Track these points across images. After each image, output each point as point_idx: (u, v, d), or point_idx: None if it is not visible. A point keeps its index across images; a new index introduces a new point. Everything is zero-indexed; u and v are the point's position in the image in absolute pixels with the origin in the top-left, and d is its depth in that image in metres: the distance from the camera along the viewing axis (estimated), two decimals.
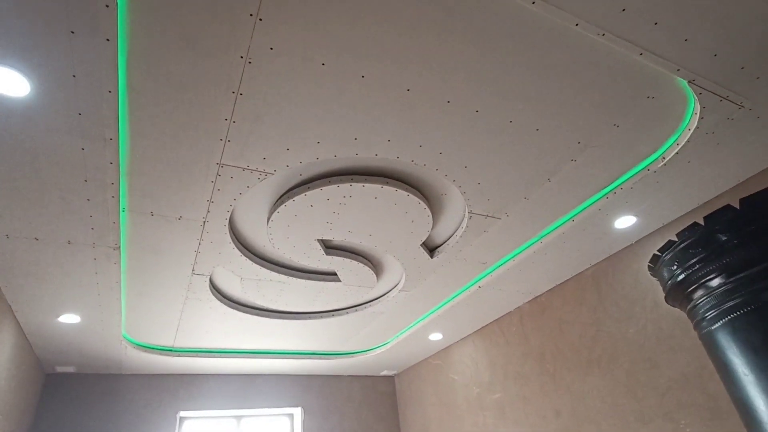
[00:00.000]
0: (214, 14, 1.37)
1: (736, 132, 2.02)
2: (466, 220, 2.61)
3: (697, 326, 1.58)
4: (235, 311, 3.50)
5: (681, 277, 1.54)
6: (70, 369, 4.22)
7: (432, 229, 2.73)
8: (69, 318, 3.16)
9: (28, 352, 3.52)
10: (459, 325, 4.18)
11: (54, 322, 3.20)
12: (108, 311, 3.13)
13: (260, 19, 1.42)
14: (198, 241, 2.53)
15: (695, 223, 1.46)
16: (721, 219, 1.39)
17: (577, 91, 1.79)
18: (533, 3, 1.40)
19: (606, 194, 2.45)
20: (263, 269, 2.93)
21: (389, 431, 5.44)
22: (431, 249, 3.00)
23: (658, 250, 1.61)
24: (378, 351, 4.75)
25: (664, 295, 1.72)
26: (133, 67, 1.50)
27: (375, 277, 3.19)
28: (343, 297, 3.49)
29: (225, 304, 3.37)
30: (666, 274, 1.68)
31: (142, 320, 3.50)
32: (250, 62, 1.55)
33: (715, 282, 1.42)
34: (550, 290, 3.58)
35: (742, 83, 1.77)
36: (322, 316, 3.83)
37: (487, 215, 2.58)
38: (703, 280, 1.46)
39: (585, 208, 2.56)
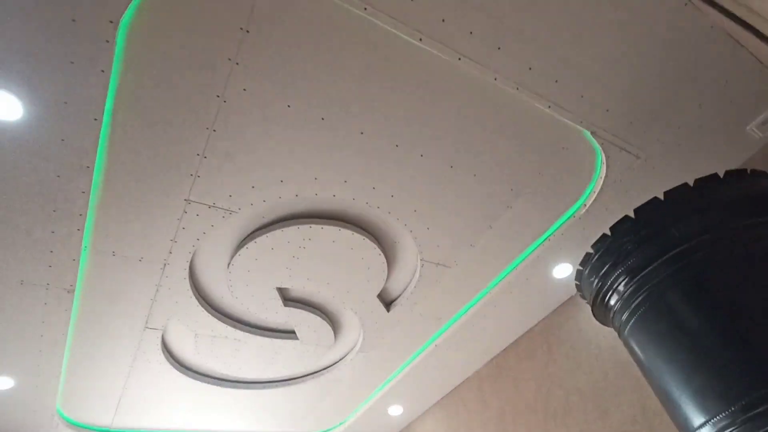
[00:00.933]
0: (197, 55, 1.65)
1: (637, 180, 2.39)
2: (419, 269, 2.79)
3: (619, 333, 1.76)
4: (185, 377, 3.35)
5: (598, 286, 1.75)
6: None
7: (387, 279, 2.88)
8: (1, 382, 2.94)
9: None
10: (419, 395, 4.11)
11: None
12: (46, 374, 2.94)
13: (237, 64, 1.70)
14: (156, 287, 2.56)
15: (604, 234, 1.71)
16: (622, 228, 1.65)
17: (502, 141, 2.13)
18: (459, 59, 1.77)
19: (542, 242, 2.73)
20: (219, 323, 2.92)
21: None
22: (387, 303, 3.11)
23: (580, 264, 1.84)
24: (336, 431, 4.50)
25: (592, 311, 1.90)
26: (119, 98, 1.72)
27: (333, 334, 3.21)
28: (299, 360, 3.44)
29: (174, 367, 3.24)
30: (588, 288, 1.89)
31: (81, 388, 3.27)
32: (225, 102, 1.81)
33: (623, 285, 1.64)
34: (504, 350, 3.67)
35: (634, 136, 2.17)
36: (277, 385, 3.70)
37: (438, 263, 2.77)
38: (614, 285, 1.68)
39: (526, 256, 2.81)
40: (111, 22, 1.48)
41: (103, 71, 1.59)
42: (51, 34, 1.48)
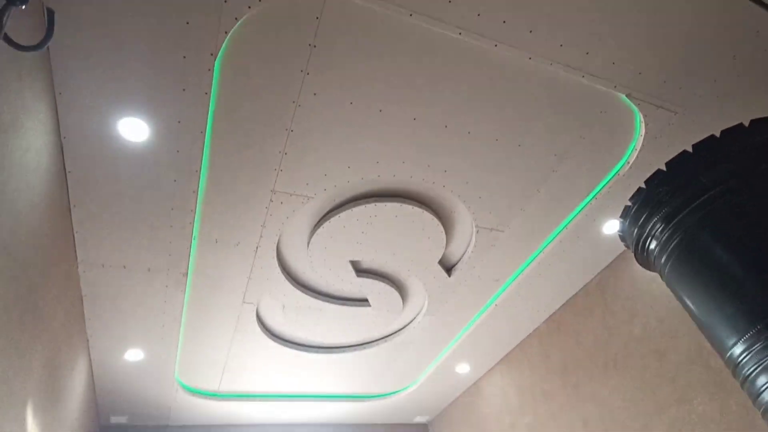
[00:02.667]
0: (276, 71, 2.01)
1: (677, 134, 2.52)
2: (474, 235, 3.07)
3: (661, 275, 1.97)
4: (277, 344, 3.87)
5: (638, 234, 1.96)
6: (123, 419, 4.52)
7: (446, 246, 3.19)
8: (134, 354, 3.58)
9: (91, 397, 3.89)
10: (484, 353, 4.43)
11: (120, 359, 3.61)
12: (168, 346, 3.55)
13: (308, 74, 2.05)
14: (250, 267, 3.03)
15: (639, 188, 1.91)
16: (656, 180, 1.85)
17: (543, 112, 2.35)
18: (495, 46, 2.01)
19: (589, 201, 2.91)
20: (303, 295, 3.37)
21: None
22: (448, 268, 3.43)
23: (620, 216, 2.05)
24: (410, 390, 4.94)
25: (635, 258, 2.11)
26: (217, 113, 2.13)
27: (401, 300, 3.59)
28: (373, 325, 3.85)
29: (268, 336, 3.76)
30: (630, 238, 2.10)
31: (194, 358, 3.88)
32: (299, 106, 2.17)
33: (660, 231, 1.85)
34: (561, 306, 3.89)
35: (670, 93, 2.31)
36: (355, 349, 4.16)
37: (492, 228, 3.04)
38: (653, 232, 1.88)
39: (574, 216, 3.01)
40: (211, 54, 1.87)
41: (206, 93, 2.00)
42: (167, 68, 1.89)
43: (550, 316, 4.00)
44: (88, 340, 3.38)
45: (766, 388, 1.49)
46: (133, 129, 2.08)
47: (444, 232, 3.02)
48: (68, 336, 2.88)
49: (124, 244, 2.65)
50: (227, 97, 2.07)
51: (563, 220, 3.06)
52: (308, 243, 2.97)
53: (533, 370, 4.13)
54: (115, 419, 4.49)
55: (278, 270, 3.09)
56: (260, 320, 3.69)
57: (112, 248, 2.67)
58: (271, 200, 2.60)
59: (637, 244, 2.02)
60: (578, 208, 2.99)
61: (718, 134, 1.77)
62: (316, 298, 3.44)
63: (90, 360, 3.57)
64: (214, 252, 2.87)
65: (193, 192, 2.42)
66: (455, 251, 3.30)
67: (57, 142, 2.06)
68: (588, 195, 2.89)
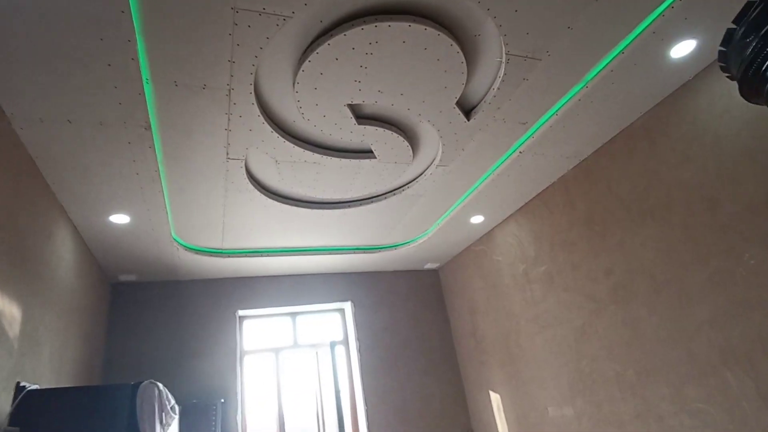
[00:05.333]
0: None
1: None
2: (503, 66, 2.41)
3: None
4: (275, 202, 3.53)
5: (752, 59, 1.35)
6: (132, 277, 4.50)
7: (467, 82, 2.55)
8: (119, 218, 3.28)
9: (89, 259, 3.74)
10: (500, 203, 4.11)
11: (106, 222, 3.33)
12: (154, 208, 3.22)
13: None
14: (227, 116, 2.48)
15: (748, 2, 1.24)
16: None
17: None
18: None
19: (662, 11, 2.18)
20: (296, 148, 2.88)
21: (437, 318, 5.65)
22: (467, 111, 2.85)
23: (733, 21, 1.41)
24: (421, 240, 4.79)
25: (740, 88, 1.53)
26: None
27: (410, 150, 3.10)
28: (380, 178, 3.44)
29: (264, 194, 3.40)
30: (737, 64, 1.48)
31: (188, 219, 3.60)
32: None
33: None
34: (596, 151, 3.39)
35: None
36: (361, 203, 3.83)
37: (527, 56, 2.37)
38: None
39: (638, 33, 2.30)
40: None
41: None
42: None
43: (581, 162, 3.53)
44: (62, 207, 3.03)
45: None
46: None
47: (465, 63, 2.37)
48: (30, 204, 2.51)
49: (53, 92, 2.08)
50: None
51: (622, 40, 2.36)
52: (293, 82, 2.36)
53: (554, 219, 3.83)
54: (123, 277, 4.46)
55: (261, 119, 2.54)
56: (252, 177, 3.27)
57: (41, 98, 2.10)
58: (235, 23, 1.92)
59: (746, 71, 1.41)
60: (645, 22, 2.26)
61: None
62: (311, 151, 2.95)
63: (73, 226, 3.29)
64: (178, 99, 2.29)
65: (122, 12, 1.74)
66: (477, 88, 2.67)
67: None
68: (659, 5, 2.14)
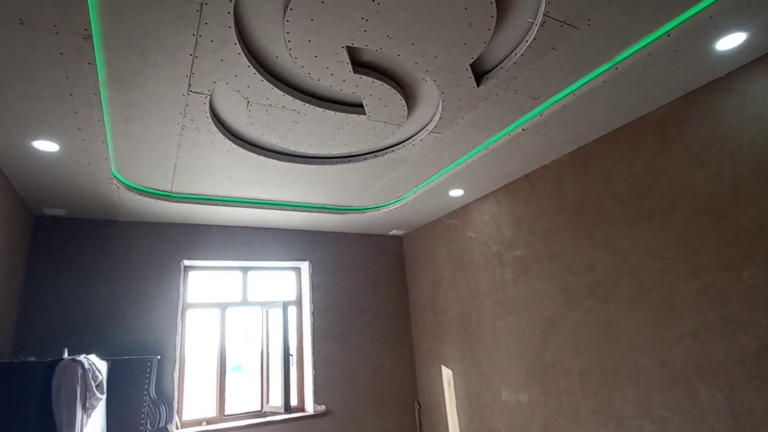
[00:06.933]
0: None
1: None
2: (536, 28, 2.05)
3: None
4: (240, 149, 3.06)
5: None
6: (61, 212, 3.89)
7: (490, 41, 2.17)
8: (46, 145, 2.69)
9: (4, 187, 3.12)
10: (485, 179, 3.84)
11: (28, 148, 2.73)
12: (91, 138, 2.66)
13: None
14: (194, 38, 1.97)
15: None
16: None
17: None
18: None
19: None
20: (275, 90, 2.41)
21: (396, 286, 5.46)
22: (479, 75, 2.48)
23: None
24: (391, 207, 4.48)
25: None
26: None
27: (406, 110, 2.71)
28: (364, 137, 3.04)
29: (228, 138, 2.91)
30: None
31: (133, 155, 3.06)
32: None
33: None
34: (598, 139, 3.15)
35: None
36: (337, 162, 3.43)
37: (565, 22, 2.01)
38: None
39: (694, 13, 2.00)
40: None
41: None
42: None
43: (579, 147, 3.29)
44: None
45: None
46: None
47: (495, 18, 1.98)
48: None
49: None
50: None
51: (670, 21, 2.05)
52: (285, 8, 1.88)
53: (540, 204, 3.63)
54: (50, 211, 3.84)
55: (238, 48, 2.05)
56: (216, 117, 2.77)
57: None
58: None
59: None
60: (700, 5, 1.96)
61: None
62: (292, 96, 2.49)
63: None
64: (134, 4, 1.75)
65: None
66: (497, 51, 2.30)
67: None
68: None
